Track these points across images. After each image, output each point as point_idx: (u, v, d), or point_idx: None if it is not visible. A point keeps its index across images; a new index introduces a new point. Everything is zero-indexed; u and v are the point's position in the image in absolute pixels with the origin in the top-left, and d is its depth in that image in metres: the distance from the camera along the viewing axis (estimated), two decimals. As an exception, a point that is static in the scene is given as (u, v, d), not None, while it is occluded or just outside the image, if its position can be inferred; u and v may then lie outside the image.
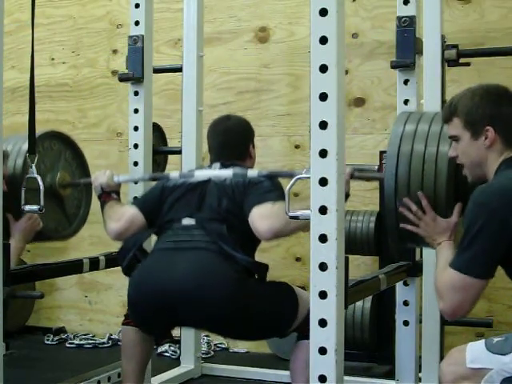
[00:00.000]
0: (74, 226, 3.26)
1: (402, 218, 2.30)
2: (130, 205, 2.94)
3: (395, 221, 2.32)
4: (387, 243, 3.51)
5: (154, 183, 3.00)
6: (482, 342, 1.95)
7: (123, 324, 2.81)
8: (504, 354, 1.87)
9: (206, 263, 2.54)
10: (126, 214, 2.83)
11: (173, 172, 2.89)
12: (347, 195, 2.50)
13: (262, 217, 2.53)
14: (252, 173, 2.69)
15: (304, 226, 2.22)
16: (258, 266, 2.62)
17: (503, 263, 1.98)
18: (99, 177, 2.99)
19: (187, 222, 2.66)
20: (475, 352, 1.93)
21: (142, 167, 3.32)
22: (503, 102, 2.06)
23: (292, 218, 2.26)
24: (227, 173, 2.71)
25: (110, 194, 2.95)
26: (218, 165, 2.80)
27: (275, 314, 2.58)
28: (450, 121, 2.13)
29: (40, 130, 3.02)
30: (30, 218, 2.90)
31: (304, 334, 2.56)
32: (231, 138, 2.86)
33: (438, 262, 2.15)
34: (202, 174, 2.77)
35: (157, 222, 2.77)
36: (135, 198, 3.19)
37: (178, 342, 3.71)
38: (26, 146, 2.89)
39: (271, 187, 2.65)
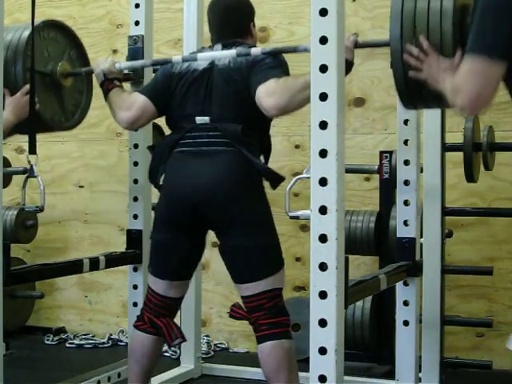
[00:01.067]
0: (75, 118, 3.25)
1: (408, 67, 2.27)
2: (137, 92, 2.89)
3: (403, 79, 2.29)
4: (387, 243, 3.53)
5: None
6: None
7: (134, 326, 2.80)
8: None
9: (226, 167, 2.59)
10: (136, 102, 2.82)
11: (175, 56, 2.85)
12: (351, 64, 2.50)
13: (267, 94, 2.53)
14: (255, 51, 2.68)
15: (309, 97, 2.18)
16: (273, 174, 2.66)
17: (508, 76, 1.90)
18: (101, 63, 2.98)
19: (201, 120, 2.67)
20: None
21: (142, 167, 3.32)
22: None
23: (292, 218, 2.26)
24: (230, 53, 2.70)
25: (113, 80, 2.94)
26: (219, 46, 2.78)
27: (266, 242, 2.63)
28: None
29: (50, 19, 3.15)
30: (26, 94, 2.84)
31: (260, 329, 2.57)
32: (231, 15, 2.83)
33: (447, 85, 2.06)
34: (204, 56, 2.75)
35: (167, 113, 2.79)
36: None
37: (177, 341, 3.70)
38: (26, 33, 2.89)
39: (274, 63, 2.64)
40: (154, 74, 3.44)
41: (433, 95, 2.30)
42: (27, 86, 2.83)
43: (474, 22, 1.86)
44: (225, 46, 2.76)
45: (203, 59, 2.74)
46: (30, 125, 2.82)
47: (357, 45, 2.56)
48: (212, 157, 2.62)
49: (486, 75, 1.83)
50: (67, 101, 3.19)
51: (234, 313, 2.67)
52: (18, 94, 2.84)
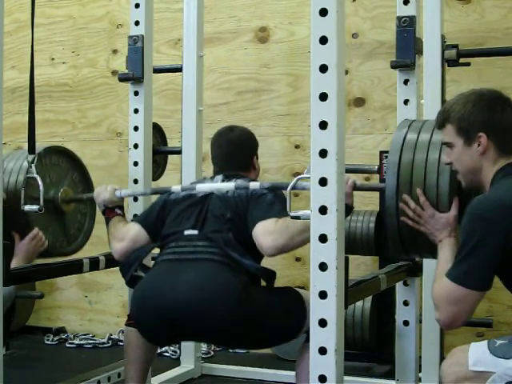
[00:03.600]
0: (77, 242, 3.26)
1: (403, 215, 2.29)
2: (132, 222, 2.92)
3: (397, 232, 2.30)
4: (387, 243, 3.52)
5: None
6: (484, 343, 1.92)
7: (126, 324, 2.80)
8: (508, 358, 1.84)
9: (208, 275, 2.49)
10: (129, 233, 2.82)
11: (174, 186, 2.87)
12: (351, 208, 2.51)
13: (266, 233, 2.51)
14: (254, 185, 2.66)
15: (308, 239, 2.15)
16: (266, 273, 2.58)
17: (501, 275, 1.98)
18: (101, 193, 2.98)
19: (190, 232, 2.63)
20: (478, 354, 1.90)
21: (141, 167, 3.31)
22: (496, 108, 2.04)
23: (293, 217, 2.26)
24: (229, 185, 2.69)
25: (114, 209, 2.96)
26: (220, 177, 2.79)
27: (285, 322, 2.53)
28: (443, 127, 2.12)
29: (52, 145, 3.17)
30: (34, 238, 2.89)
31: None
32: (235, 150, 2.84)
33: (438, 262, 2.13)
34: (204, 187, 2.75)
35: (159, 235, 2.76)
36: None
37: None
38: (26, 164, 2.88)
39: (274, 200, 2.62)
40: (153, 75, 3.46)
41: (426, 249, 2.32)
42: (34, 231, 2.87)
43: (461, 247, 1.91)
44: (226, 178, 2.76)
45: (202, 189, 2.73)
46: (30, 123, 2.82)
47: (355, 187, 2.56)
48: (193, 264, 2.54)
49: (461, 302, 1.90)
50: (69, 225, 3.20)
51: None
52: (25, 240, 2.86)
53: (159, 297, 2.49)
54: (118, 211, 2.97)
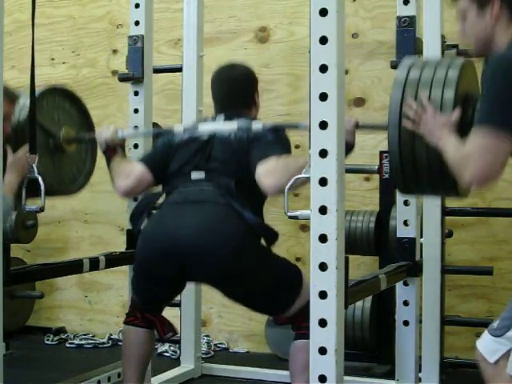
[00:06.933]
0: (78, 182, 3.25)
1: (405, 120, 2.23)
2: (137, 161, 2.91)
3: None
4: (387, 243, 3.53)
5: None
6: (485, 334, 2.00)
7: (125, 323, 2.80)
8: (509, 329, 1.94)
9: (213, 217, 2.55)
10: (134, 172, 2.83)
11: (176, 126, 2.86)
12: (353, 145, 2.53)
13: (267, 173, 2.54)
14: (256, 126, 2.68)
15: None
16: (265, 229, 2.61)
17: None
18: (103, 132, 2.99)
19: (196, 175, 2.67)
20: (487, 347, 1.98)
21: (142, 167, 3.31)
22: None
23: (291, 217, 2.26)
24: (231, 126, 2.70)
25: (115, 148, 2.96)
26: (221, 117, 2.79)
27: (278, 282, 2.58)
28: None
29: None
30: (27, 152, 2.82)
31: (300, 328, 2.58)
32: (235, 88, 2.84)
33: (447, 148, 2.06)
34: (206, 128, 2.76)
35: (164, 178, 2.78)
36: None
37: (178, 341, 3.71)
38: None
39: (275, 140, 2.64)
40: (153, 75, 3.46)
41: (427, 185, 2.29)
42: (27, 146, 2.79)
43: (486, 94, 1.86)
44: (227, 118, 2.76)
45: (204, 131, 2.74)
46: (30, 123, 2.82)
47: (357, 126, 2.57)
48: (198, 206, 2.59)
49: (496, 151, 1.82)
50: (70, 166, 3.18)
51: (278, 319, 2.69)
52: (19, 153, 2.80)
53: (164, 236, 2.57)
54: (120, 151, 2.98)
